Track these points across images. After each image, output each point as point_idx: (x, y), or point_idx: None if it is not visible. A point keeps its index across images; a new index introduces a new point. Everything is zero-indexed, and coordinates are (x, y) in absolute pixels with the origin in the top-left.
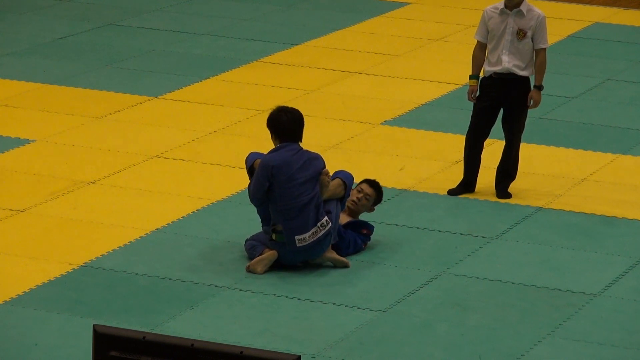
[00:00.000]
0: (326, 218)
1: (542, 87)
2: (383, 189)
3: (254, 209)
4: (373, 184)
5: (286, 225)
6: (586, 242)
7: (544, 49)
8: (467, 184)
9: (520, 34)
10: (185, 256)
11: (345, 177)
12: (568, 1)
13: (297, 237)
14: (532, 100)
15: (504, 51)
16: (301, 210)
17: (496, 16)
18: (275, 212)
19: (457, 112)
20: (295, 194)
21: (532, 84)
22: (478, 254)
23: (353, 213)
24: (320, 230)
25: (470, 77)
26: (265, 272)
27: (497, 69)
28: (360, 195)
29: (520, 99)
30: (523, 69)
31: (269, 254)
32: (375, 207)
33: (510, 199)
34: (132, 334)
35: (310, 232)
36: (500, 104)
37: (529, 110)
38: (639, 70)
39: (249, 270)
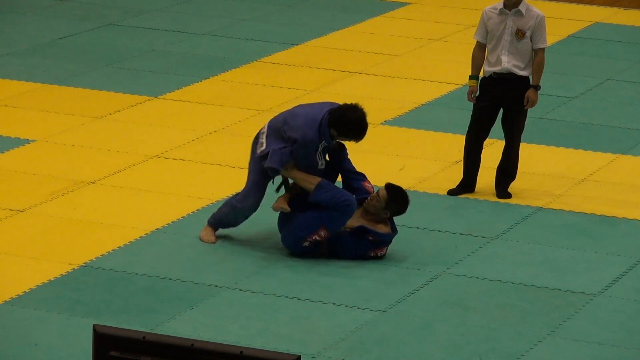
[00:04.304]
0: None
1: (539, 87)
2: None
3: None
4: (389, 187)
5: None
6: (586, 242)
7: (543, 48)
8: (467, 184)
9: (519, 34)
10: (185, 256)
11: (332, 186)
12: (568, 1)
13: None
14: (528, 100)
15: (503, 51)
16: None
17: (495, 16)
18: None
19: (457, 112)
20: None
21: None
22: (478, 254)
23: (368, 213)
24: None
25: (470, 78)
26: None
27: (496, 69)
28: (373, 195)
29: (520, 99)
30: (522, 69)
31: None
32: (389, 214)
33: (510, 199)
34: (132, 334)
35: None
36: (500, 104)
37: (528, 110)
38: (639, 70)
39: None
